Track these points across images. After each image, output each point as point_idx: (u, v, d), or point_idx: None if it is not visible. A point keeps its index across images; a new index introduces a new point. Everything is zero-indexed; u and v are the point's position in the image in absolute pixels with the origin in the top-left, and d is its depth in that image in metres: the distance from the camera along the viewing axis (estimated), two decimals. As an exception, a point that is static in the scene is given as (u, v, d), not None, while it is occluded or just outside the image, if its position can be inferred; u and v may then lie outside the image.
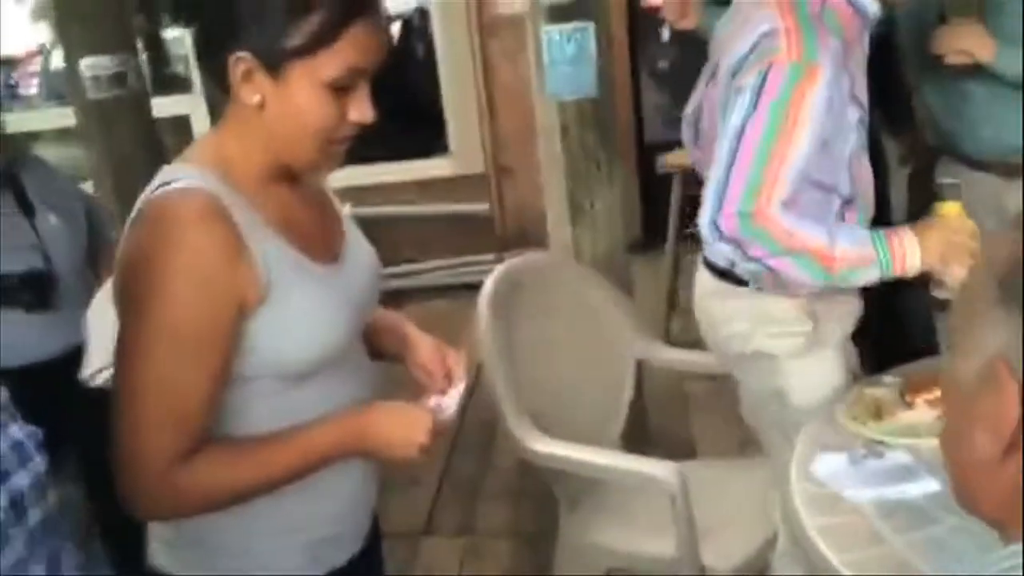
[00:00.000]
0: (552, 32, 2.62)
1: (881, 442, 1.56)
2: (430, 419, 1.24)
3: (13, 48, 5.60)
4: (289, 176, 1.21)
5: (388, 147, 5.43)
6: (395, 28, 5.73)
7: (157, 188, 1.12)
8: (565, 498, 2.03)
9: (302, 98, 1.11)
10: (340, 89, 1.12)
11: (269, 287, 1.12)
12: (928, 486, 1.41)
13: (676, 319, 3.97)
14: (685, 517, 1.74)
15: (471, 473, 3.22)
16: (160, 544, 1.25)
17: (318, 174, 1.26)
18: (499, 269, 2.09)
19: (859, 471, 1.49)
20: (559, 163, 2.69)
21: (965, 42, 2.08)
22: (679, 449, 3.00)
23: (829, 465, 1.52)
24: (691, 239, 4.12)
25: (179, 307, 1.08)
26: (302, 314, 1.16)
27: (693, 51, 4.77)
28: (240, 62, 1.09)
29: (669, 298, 3.95)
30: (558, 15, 2.58)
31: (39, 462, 0.97)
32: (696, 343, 3.08)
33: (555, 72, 2.64)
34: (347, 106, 1.13)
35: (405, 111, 5.80)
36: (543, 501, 2.93)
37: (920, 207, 2.05)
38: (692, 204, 3.83)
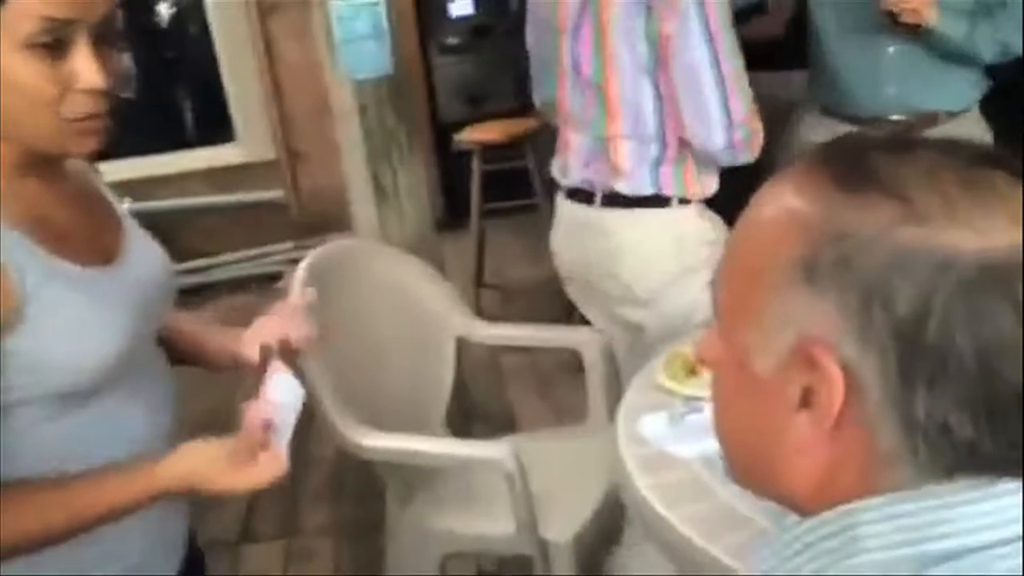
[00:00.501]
0: (341, 8, 2.53)
1: (699, 398, 1.62)
2: (276, 465, 1.06)
3: None
4: (41, 170, 1.06)
5: (171, 136, 5.13)
6: (167, 9, 5.40)
7: None
8: (394, 489, 1.99)
9: (6, 64, 0.94)
10: (50, 50, 0.95)
11: (24, 299, 0.99)
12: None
13: (484, 295, 4.00)
14: (523, 494, 1.74)
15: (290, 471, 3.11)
16: None
17: (71, 159, 1.11)
18: (310, 256, 2.00)
19: (681, 428, 1.54)
20: (359, 145, 2.62)
21: (915, 2, 2.20)
22: (500, 424, 3.02)
23: (652, 425, 1.56)
24: (495, 214, 4.21)
25: None
26: (68, 325, 1.02)
27: (482, 26, 4.82)
28: None
29: (477, 275, 3.97)
30: (347, -10, 2.50)
31: None
32: (506, 318, 3.11)
33: (348, 50, 2.56)
34: (68, 71, 0.97)
35: (187, 97, 5.49)
36: (366, 493, 2.88)
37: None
38: (492, 180, 3.89)
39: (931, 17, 2.21)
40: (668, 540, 1.30)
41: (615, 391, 2.16)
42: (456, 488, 1.99)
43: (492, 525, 1.86)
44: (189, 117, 5.53)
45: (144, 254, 1.19)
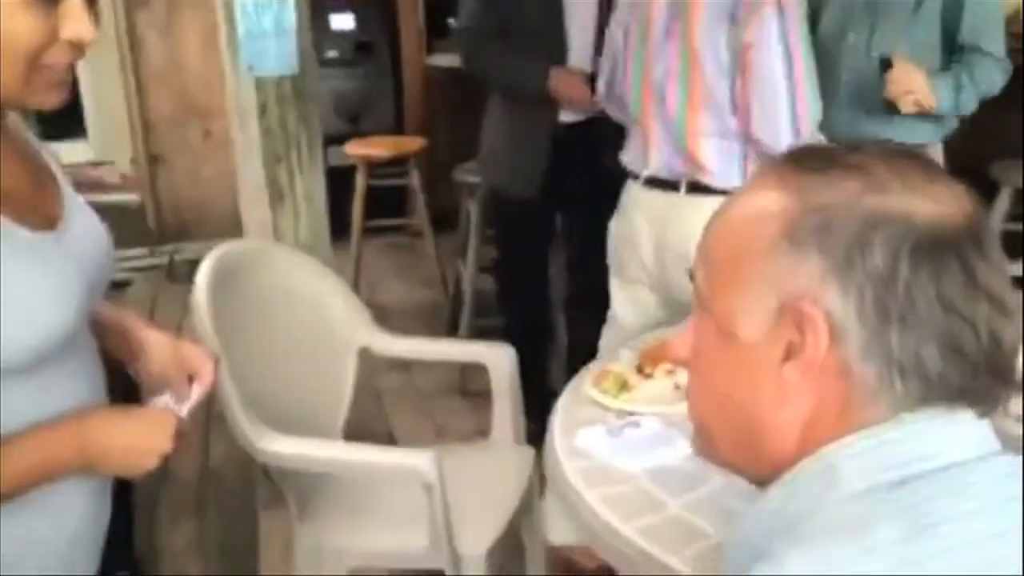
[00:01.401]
0: (246, 3, 2.42)
1: (632, 413, 1.62)
2: (173, 421, 1.08)
3: None
4: None
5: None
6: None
7: None
8: (295, 501, 1.88)
9: None
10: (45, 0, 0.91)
11: None
12: (687, 450, 1.48)
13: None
14: (442, 505, 1.68)
15: (148, 488, 2.90)
16: None
17: (38, 107, 1.02)
18: (211, 256, 1.88)
19: (621, 442, 1.53)
20: (255, 145, 2.49)
21: (915, 86, 2.26)
22: (382, 441, 2.93)
23: (590, 438, 1.54)
24: (372, 232, 4.11)
25: None
26: (16, 288, 0.94)
27: (364, 42, 4.73)
28: None
29: (354, 289, 3.85)
30: (253, -16, 2.39)
31: None
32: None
33: (251, 46, 2.45)
34: (57, 21, 0.93)
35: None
36: (234, 511, 2.72)
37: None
38: (374, 197, 3.81)
39: (931, 103, 2.30)
40: (625, 553, 1.27)
41: (519, 407, 2.14)
42: (362, 500, 1.90)
43: (399, 538, 1.79)
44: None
45: (85, 220, 1.12)
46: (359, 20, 4.63)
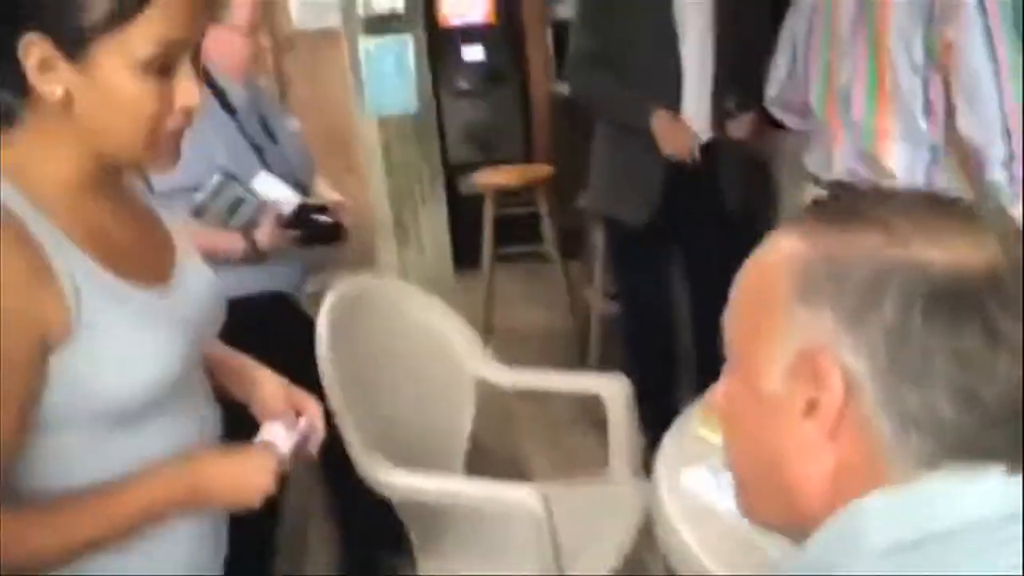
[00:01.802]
0: (370, 46, 2.53)
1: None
2: (271, 460, 1.12)
3: None
4: (103, 184, 1.04)
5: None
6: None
7: None
8: (418, 533, 1.93)
9: (116, 83, 0.94)
10: (160, 69, 0.95)
11: (78, 314, 0.96)
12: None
13: (493, 342, 3.96)
14: (550, 541, 1.69)
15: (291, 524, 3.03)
16: None
17: (156, 171, 1.10)
18: (332, 292, 1.96)
19: (722, 481, 1.50)
20: (380, 181, 2.60)
21: None
22: (511, 471, 2.96)
23: (694, 477, 1.51)
24: (503, 260, 4.19)
25: None
26: (120, 345, 0.99)
27: (495, 71, 4.84)
28: (32, 48, 0.92)
29: (486, 321, 3.92)
30: (376, 28, 2.49)
31: None
32: (514, 364, 3.04)
33: (374, 87, 2.55)
34: (171, 89, 0.97)
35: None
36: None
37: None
38: (503, 224, 3.87)
39: None
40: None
41: (636, 440, 2.12)
42: (480, 532, 1.93)
43: (520, 571, 1.80)
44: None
45: (197, 275, 1.17)
46: (489, 51, 4.74)
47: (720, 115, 2.63)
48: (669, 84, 2.59)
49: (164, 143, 1.00)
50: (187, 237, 1.21)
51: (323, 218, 2.14)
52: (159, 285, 1.09)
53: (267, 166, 2.16)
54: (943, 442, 0.58)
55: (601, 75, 2.68)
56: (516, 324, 4.06)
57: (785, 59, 2.23)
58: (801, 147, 2.36)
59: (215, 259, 2.06)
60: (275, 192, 2.12)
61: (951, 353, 0.57)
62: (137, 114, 0.96)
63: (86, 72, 0.93)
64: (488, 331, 3.93)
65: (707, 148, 2.63)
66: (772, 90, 2.29)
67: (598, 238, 3.27)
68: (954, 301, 0.58)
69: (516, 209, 3.95)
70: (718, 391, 0.72)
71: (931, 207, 0.63)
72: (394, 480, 1.80)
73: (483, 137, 4.67)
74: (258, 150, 2.18)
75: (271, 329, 1.78)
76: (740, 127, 2.56)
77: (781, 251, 0.65)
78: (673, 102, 2.58)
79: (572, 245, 3.87)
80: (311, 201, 2.18)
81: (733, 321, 0.69)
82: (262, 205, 2.08)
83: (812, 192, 2.18)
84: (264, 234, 2.09)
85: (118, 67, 0.93)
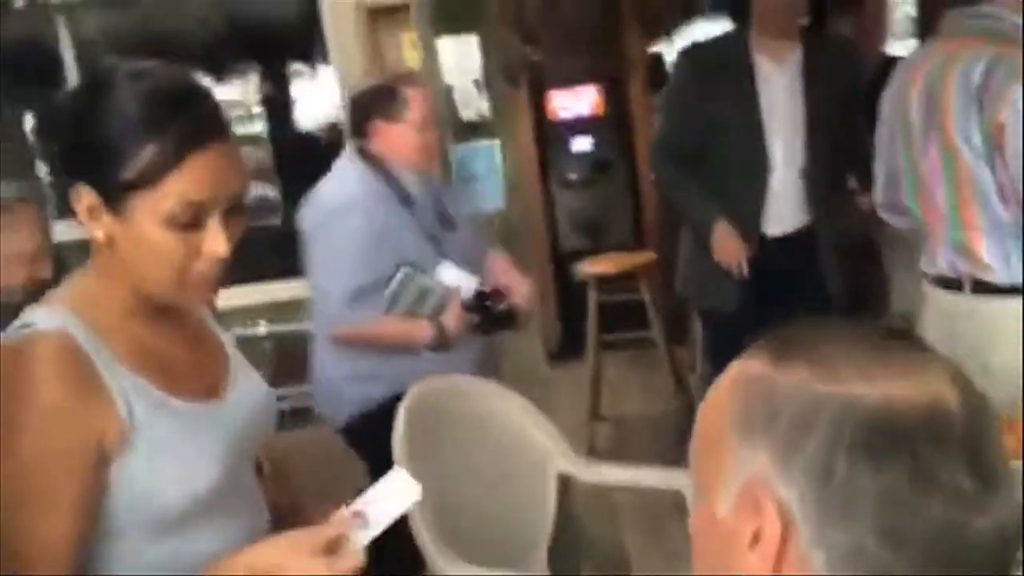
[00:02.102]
0: (460, 150, 2.66)
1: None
2: (317, 542, 1.03)
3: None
4: (158, 309, 1.14)
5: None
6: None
7: (16, 329, 1.06)
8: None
9: (146, 233, 1.05)
10: (188, 223, 1.05)
11: (132, 428, 1.06)
12: None
13: (599, 428, 3.94)
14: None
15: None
16: None
17: (189, 307, 1.20)
18: (414, 388, 2.04)
19: None
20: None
21: None
22: (612, 562, 2.92)
23: None
24: (611, 347, 4.20)
25: (27, 454, 1.01)
26: (172, 455, 1.08)
27: (602, 163, 4.92)
28: (82, 196, 1.05)
29: (592, 408, 3.92)
30: (467, 133, 2.62)
31: None
32: (620, 452, 3.04)
33: (464, 187, 2.67)
34: (200, 240, 1.06)
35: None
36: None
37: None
38: (609, 312, 3.89)
39: None
40: None
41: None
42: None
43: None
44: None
45: (248, 386, 1.25)
46: (597, 141, 4.83)
47: (817, 201, 2.62)
48: (751, 174, 2.60)
49: (194, 285, 1.09)
50: (239, 355, 1.29)
51: (500, 304, 2.27)
52: (211, 399, 1.17)
53: (443, 254, 2.30)
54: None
55: (676, 167, 2.72)
56: (622, 411, 4.04)
57: (881, 163, 2.24)
58: (914, 239, 2.33)
59: (409, 349, 2.22)
60: (457, 280, 2.26)
61: (876, 492, 0.57)
62: (164, 261, 1.06)
63: (124, 221, 1.05)
64: (595, 418, 3.92)
65: (805, 234, 2.61)
66: (878, 195, 2.30)
67: (699, 323, 3.25)
68: (881, 439, 0.58)
69: (622, 296, 3.97)
70: (692, 518, 0.73)
71: (876, 342, 0.64)
72: (453, 572, 1.82)
73: (593, 225, 4.74)
74: (435, 241, 2.33)
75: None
76: (865, 202, 2.57)
77: (726, 384, 0.67)
78: (754, 192, 2.59)
79: (677, 331, 3.84)
80: (485, 287, 2.31)
81: (693, 449, 0.70)
82: (447, 293, 2.22)
83: (925, 288, 2.18)
84: (452, 320, 2.24)
85: (149, 219, 1.04)
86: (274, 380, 4.85)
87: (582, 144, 4.87)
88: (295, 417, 3.62)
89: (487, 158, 2.68)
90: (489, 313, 2.26)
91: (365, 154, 2.36)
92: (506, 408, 2.19)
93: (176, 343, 1.18)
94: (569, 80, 4.77)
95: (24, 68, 4.89)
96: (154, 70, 1.07)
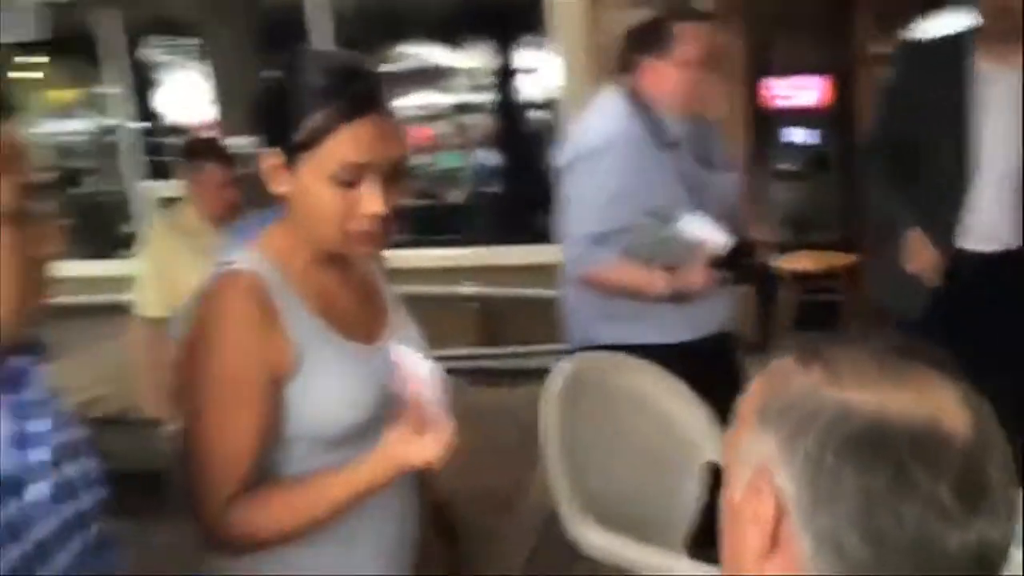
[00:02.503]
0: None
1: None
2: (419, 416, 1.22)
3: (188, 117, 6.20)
4: (332, 259, 1.32)
5: (527, 230, 5.64)
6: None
7: (219, 266, 1.27)
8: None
9: (313, 190, 1.22)
10: (347, 182, 1.21)
11: (300, 359, 1.24)
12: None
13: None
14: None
15: (557, 559, 3.23)
16: None
17: (353, 257, 1.35)
18: (568, 362, 2.15)
19: None
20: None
21: None
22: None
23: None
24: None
25: (220, 368, 1.22)
26: (330, 386, 1.27)
27: (819, 155, 4.77)
28: (267, 156, 1.23)
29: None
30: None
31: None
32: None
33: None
34: (358, 198, 1.22)
35: (531, 197, 6.01)
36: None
37: None
38: (805, 308, 3.81)
39: None
40: None
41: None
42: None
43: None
44: (545, 213, 6.02)
45: (403, 336, 1.42)
46: (816, 134, 4.70)
47: None
48: (955, 184, 2.48)
49: (355, 238, 1.26)
50: (401, 307, 1.46)
51: (750, 260, 2.22)
52: (371, 342, 1.36)
53: (700, 203, 2.23)
54: (849, 567, 0.64)
55: (881, 166, 2.63)
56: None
57: None
58: None
59: (640, 298, 2.24)
60: (703, 232, 2.18)
61: (857, 491, 0.63)
62: (328, 215, 1.24)
63: (296, 179, 1.23)
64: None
65: (1015, 256, 2.49)
66: None
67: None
68: (868, 444, 0.64)
69: (817, 295, 3.88)
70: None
71: (893, 358, 0.68)
72: (598, 541, 1.92)
73: (800, 220, 4.63)
74: (691, 187, 2.25)
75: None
76: None
77: (760, 376, 0.74)
78: (956, 203, 2.47)
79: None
80: (740, 241, 2.22)
81: (726, 435, 0.77)
82: (691, 245, 2.16)
83: None
84: (692, 274, 2.20)
85: (315, 177, 1.22)
86: (478, 340, 5.11)
87: (799, 135, 4.75)
88: (495, 376, 3.84)
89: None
90: (741, 269, 2.17)
91: (629, 92, 2.28)
92: (663, 390, 2.26)
93: (346, 291, 1.37)
94: (792, 69, 4.66)
95: (276, 38, 5.42)
96: (330, 52, 1.25)
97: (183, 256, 2.90)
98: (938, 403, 0.65)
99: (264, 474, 1.27)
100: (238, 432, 1.23)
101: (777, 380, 0.71)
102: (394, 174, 1.25)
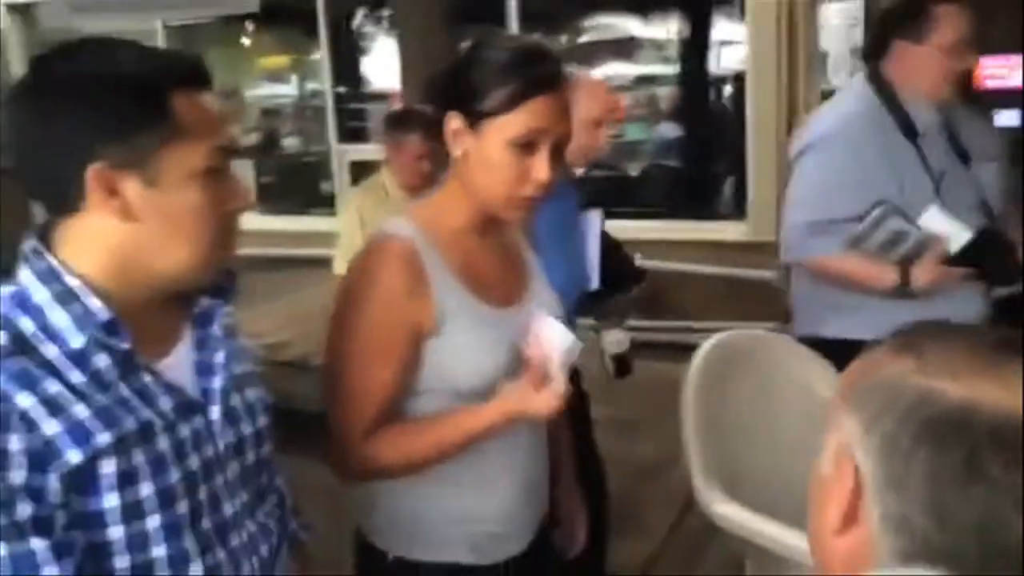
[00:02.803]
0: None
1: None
2: (538, 375, 1.37)
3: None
4: (485, 225, 1.45)
5: (687, 207, 5.61)
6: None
7: (380, 230, 1.43)
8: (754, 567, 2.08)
9: (492, 151, 1.35)
10: (524, 148, 1.34)
11: (442, 321, 1.38)
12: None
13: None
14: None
15: (699, 530, 3.28)
16: (364, 508, 1.54)
17: (511, 220, 1.47)
18: (716, 338, 2.19)
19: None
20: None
21: None
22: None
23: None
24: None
25: (367, 323, 1.38)
26: (466, 346, 1.40)
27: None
28: (452, 120, 1.37)
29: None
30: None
31: None
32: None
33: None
34: (530, 164, 1.35)
35: (725, 172, 5.95)
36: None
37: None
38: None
39: None
40: None
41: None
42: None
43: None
44: (724, 190, 6.00)
45: (541, 300, 1.54)
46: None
47: None
48: None
49: (520, 203, 1.40)
50: (542, 274, 1.58)
51: (1005, 258, 2.06)
52: (510, 306, 1.48)
53: (947, 195, 2.13)
54: (912, 546, 0.67)
55: None
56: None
57: None
58: None
59: (868, 291, 2.18)
60: (942, 227, 2.08)
61: (928, 474, 0.66)
62: (502, 178, 1.37)
63: (478, 141, 1.37)
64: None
65: None
66: None
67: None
68: (946, 428, 0.66)
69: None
70: None
71: (987, 350, 0.70)
72: (725, 512, 1.98)
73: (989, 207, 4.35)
74: (939, 178, 2.16)
75: None
76: None
77: (857, 361, 0.76)
78: None
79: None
80: (992, 236, 2.11)
81: (827, 410, 0.78)
82: (925, 240, 2.08)
83: None
84: (923, 271, 2.11)
85: (496, 140, 1.35)
86: (644, 313, 5.14)
87: (1007, 118, 4.46)
88: (660, 349, 3.89)
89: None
90: (991, 265, 2.03)
91: (877, 77, 2.22)
92: (808, 371, 2.26)
93: (490, 257, 1.49)
94: (1002, 47, 4.38)
95: (475, 15, 5.65)
96: (518, 36, 1.37)
97: (377, 222, 3.12)
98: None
99: (396, 419, 1.42)
100: (378, 381, 1.39)
101: (870, 364, 0.74)
102: (559, 149, 1.38)
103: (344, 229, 3.49)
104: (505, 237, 1.55)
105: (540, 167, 1.36)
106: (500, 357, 1.42)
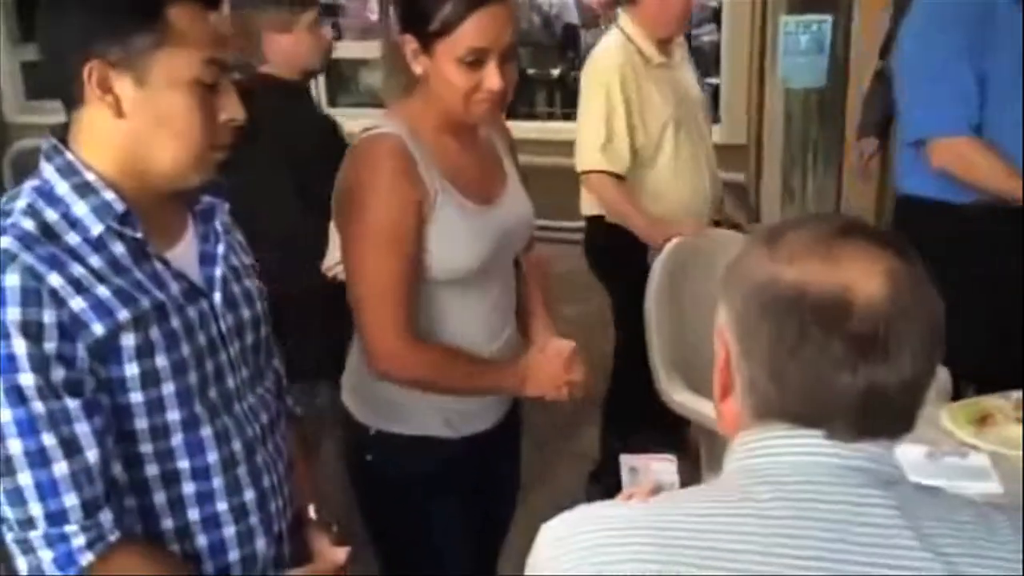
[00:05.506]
0: (789, 22, 2.74)
1: (974, 446, 1.66)
2: (561, 360, 1.58)
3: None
4: (459, 129, 1.56)
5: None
6: None
7: (365, 132, 1.53)
8: (707, 456, 2.26)
9: (445, 69, 1.45)
10: (473, 64, 1.44)
11: (434, 207, 1.50)
12: (989, 487, 1.53)
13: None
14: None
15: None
16: (348, 389, 1.69)
17: (479, 126, 1.60)
18: (678, 240, 2.32)
19: (934, 465, 1.61)
20: (776, 149, 2.84)
21: None
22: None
23: (907, 454, 1.64)
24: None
25: (378, 213, 1.49)
26: (454, 235, 1.52)
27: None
28: (408, 43, 1.47)
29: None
30: (798, 6, 2.69)
31: None
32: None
33: (787, 61, 2.77)
34: (481, 77, 1.45)
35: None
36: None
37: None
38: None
39: None
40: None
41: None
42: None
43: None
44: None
45: (515, 200, 1.67)
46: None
47: None
48: None
49: (476, 109, 1.50)
50: (516, 176, 1.70)
51: None
52: (488, 204, 1.60)
53: None
54: (764, 405, 0.81)
55: None
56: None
57: None
58: None
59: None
60: None
61: (769, 345, 0.78)
62: (457, 90, 1.47)
63: (432, 61, 1.47)
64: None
65: None
66: None
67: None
68: (781, 305, 0.77)
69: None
70: None
71: (830, 236, 0.79)
72: (683, 400, 2.15)
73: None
74: None
75: None
76: None
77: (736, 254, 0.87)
78: None
79: None
80: None
81: None
82: None
83: None
84: None
85: (447, 61, 1.45)
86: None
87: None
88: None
89: (815, 34, 2.73)
90: None
91: None
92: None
93: (468, 157, 1.60)
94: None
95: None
96: None
97: None
98: (854, 275, 0.76)
99: (415, 311, 1.54)
100: (397, 267, 1.49)
101: (740, 253, 0.85)
102: (509, 56, 1.48)
103: None
104: (482, 139, 1.65)
105: (491, 79, 1.46)
106: (484, 249, 1.55)
